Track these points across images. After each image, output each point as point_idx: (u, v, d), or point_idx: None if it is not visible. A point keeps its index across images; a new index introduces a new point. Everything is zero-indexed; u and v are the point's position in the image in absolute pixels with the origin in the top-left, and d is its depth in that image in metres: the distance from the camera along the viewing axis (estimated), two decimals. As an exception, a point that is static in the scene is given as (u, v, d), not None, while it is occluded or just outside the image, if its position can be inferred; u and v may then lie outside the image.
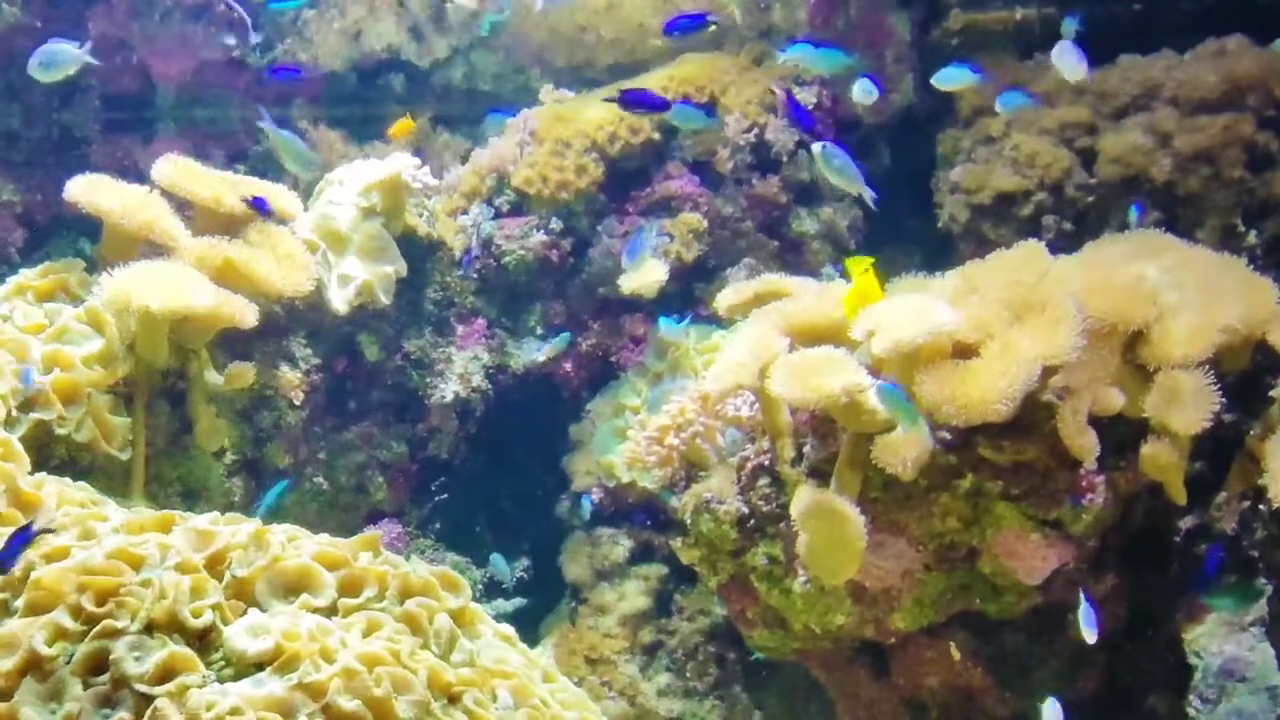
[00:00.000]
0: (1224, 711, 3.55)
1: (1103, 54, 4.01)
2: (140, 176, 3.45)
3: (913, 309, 2.82)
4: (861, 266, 2.94)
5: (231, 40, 4.22)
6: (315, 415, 3.60)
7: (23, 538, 2.17)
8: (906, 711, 3.19)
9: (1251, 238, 3.68)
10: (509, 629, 2.53)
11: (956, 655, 3.09)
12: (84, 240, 3.97)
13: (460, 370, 3.86)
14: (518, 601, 3.96)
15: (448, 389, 3.84)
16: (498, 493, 4.11)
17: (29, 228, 4.13)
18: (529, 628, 3.72)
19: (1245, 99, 3.74)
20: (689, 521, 3.15)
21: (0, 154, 4.13)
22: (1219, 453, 3.08)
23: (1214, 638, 3.61)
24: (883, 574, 2.94)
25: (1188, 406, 2.75)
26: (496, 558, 3.81)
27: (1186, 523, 3.22)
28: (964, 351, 2.80)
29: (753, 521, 3.07)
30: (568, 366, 3.98)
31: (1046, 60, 4.08)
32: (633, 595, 3.78)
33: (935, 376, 2.74)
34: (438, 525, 3.98)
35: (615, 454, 3.72)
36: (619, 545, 3.83)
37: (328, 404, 3.67)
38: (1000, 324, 2.79)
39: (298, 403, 3.46)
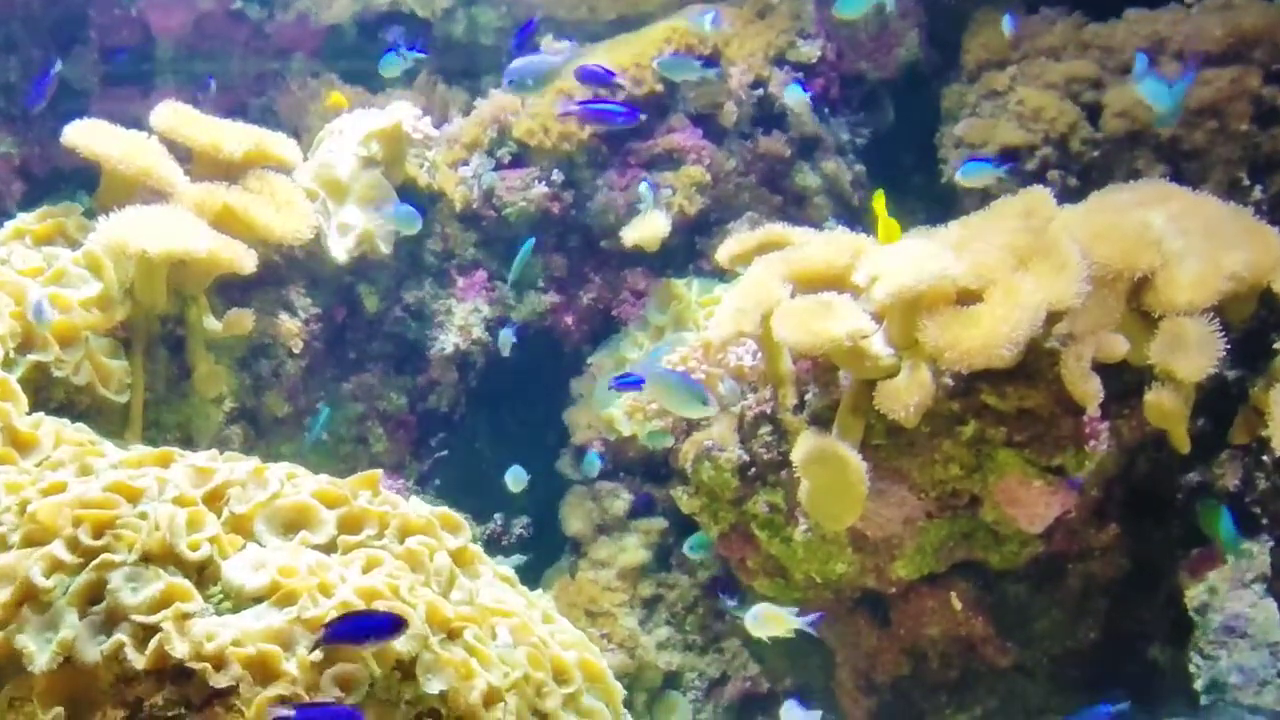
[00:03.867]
0: (1225, 667, 3.55)
1: (1109, 8, 4.00)
2: (139, 129, 3.42)
3: (916, 255, 2.81)
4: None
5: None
6: (314, 365, 3.58)
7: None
8: (907, 661, 3.18)
9: (1257, 192, 3.66)
10: (509, 570, 2.52)
11: (958, 605, 3.08)
12: (82, 193, 3.94)
13: (460, 322, 3.84)
14: (517, 559, 3.94)
15: (448, 341, 3.82)
16: (498, 447, 4.09)
17: (27, 180, 4.12)
18: (529, 583, 3.70)
19: (1252, 52, 3.72)
20: (690, 470, 3.14)
21: (-2, 107, 4.11)
22: (1223, 410, 3.07)
23: (1216, 594, 3.61)
24: (884, 522, 2.93)
25: (1192, 353, 2.74)
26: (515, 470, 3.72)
27: (1189, 479, 3.21)
28: (968, 297, 2.78)
29: (754, 469, 3.06)
30: (568, 320, 3.96)
31: (1053, 14, 4.07)
32: (632, 549, 3.77)
33: (938, 322, 2.73)
34: (438, 481, 3.97)
35: (616, 407, 3.71)
36: (619, 499, 3.82)
37: (327, 354, 3.66)
38: (1004, 270, 2.77)
39: (296, 351, 3.44)
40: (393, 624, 2.02)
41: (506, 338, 3.73)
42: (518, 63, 3.39)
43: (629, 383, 3.24)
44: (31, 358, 2.83)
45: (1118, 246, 2.80)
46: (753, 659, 3.68)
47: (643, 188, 3.75)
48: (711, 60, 3.97)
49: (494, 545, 3.95)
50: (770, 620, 2.92)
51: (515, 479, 3.62)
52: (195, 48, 4.35)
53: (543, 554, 3.97)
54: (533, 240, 3.70)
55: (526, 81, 3.34)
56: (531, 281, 3.93)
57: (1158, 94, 3.43)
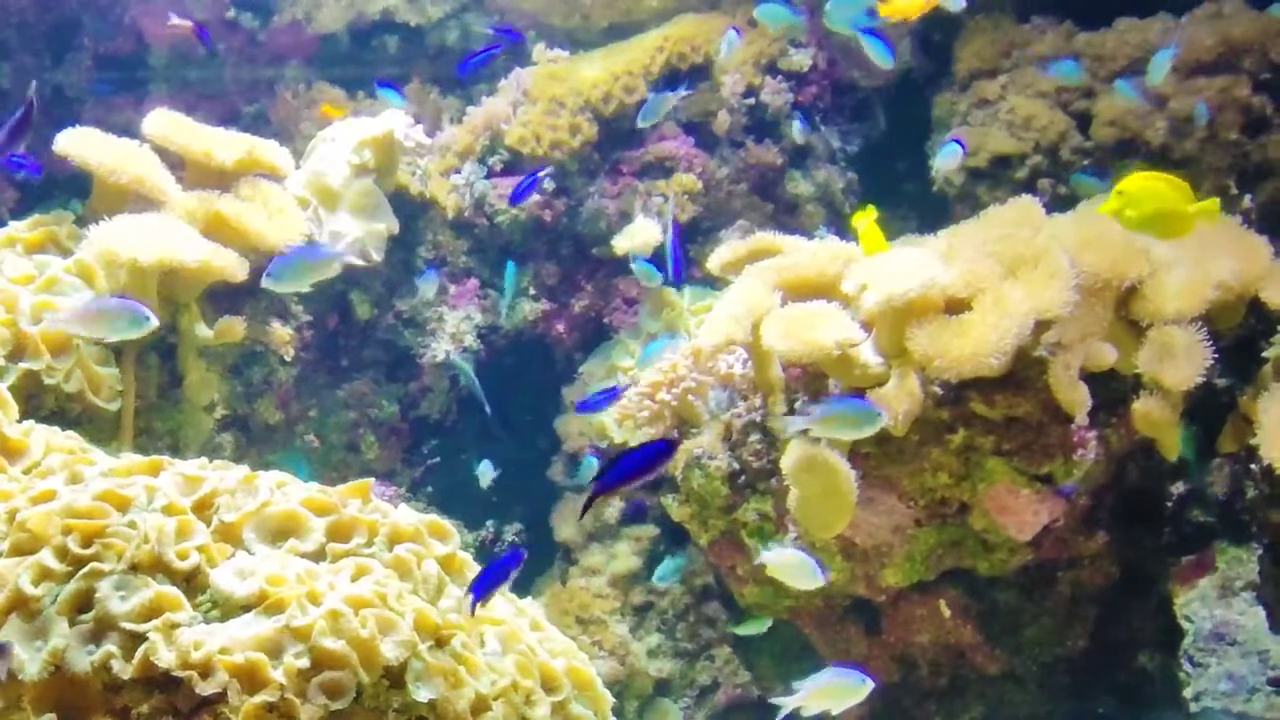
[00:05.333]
0: (1215, 674, 3.55)
1: (1100, 16, 4.01)
2: (132, 137, 3.42)
3: (905, 264, 2.82)
4: (866, 217, 2.96)
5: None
6: (306, 372, 3.59)
7: None
8: (897, 668, 3.19)
9: (1246, 201, 3.67)
10: (498, 578, 2.52)
11: (947, 612, 3.09)
12: (76, 201, 3.94)
13: (452, 330, 3.85)
14: (510, 565, 3.94)
15: (440, 348, 3.83)
16: (490, 454, 4.09)
17: (20, 188, 4.12)
18: (520, 590, 3.70)
19: (1242, 62, 3.73)
20: (680, 478, 3.14)
21: (-9, 114, 4.11)
22: (1212, 418, 3.08)
23: (1205, 602, 3.62)
24: (874, 530, 2.93)
25: (1181, 361, 2.75)
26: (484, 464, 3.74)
27: (1179, 488, 3.22)
28: (957, 306, 2.79)
29: (744, 477, 3.07)
30: (560, 327, 3.97)
31: (1044, 23, 4.09)
32: (624, 556, 3.77)
33: (927, 331, 2.74)
34: (430, 488, 3.97)
35: (607, 415, 3.71)
36: (610, 506, 3.82)
37: (319, 361, 3.66)
38: (993, 279, 2.78)
39: (288, 359, 3.45)
40: (667, 447, 2.03)
41: (461, 362, 3.73)
42: (281, 255, 3.07)
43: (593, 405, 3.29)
44: (22, 365, 2.83)
45: (1106, 255, 2.81)
46: (743, 666, 3.68)
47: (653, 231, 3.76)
48: (696, 71, 3.98)
49: (486, 552, 3.95)
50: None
51: (484, 473, 3.60)
52: (189, 56, 4.36)
53: (534, 561, 3.97)
54: (515, 267, 3.74)
55: (283, 280, 2.95)
56: (523, 289, 3.94)
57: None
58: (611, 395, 3.24)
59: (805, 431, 2.80)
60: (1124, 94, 3.62)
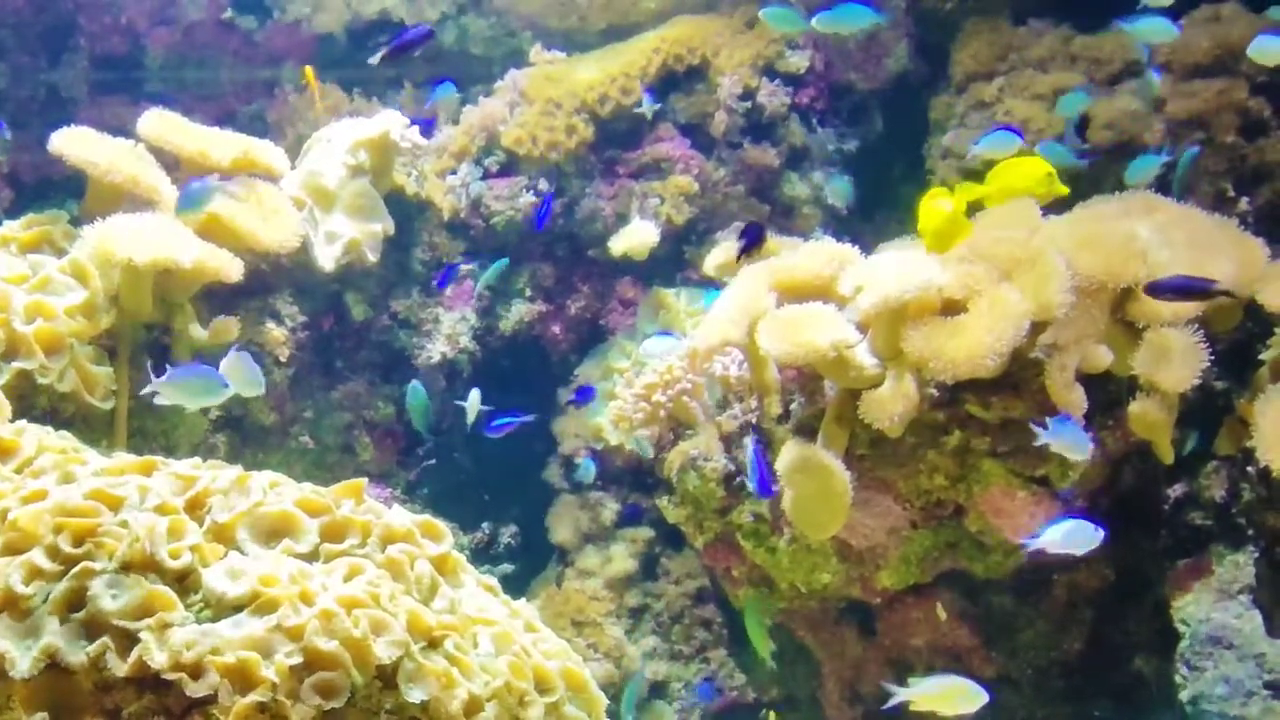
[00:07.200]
0: (1211, 679, 3.54)
1: (1096, 20, 4.00)
2: (128, 138, 3.42)
3: (901, 265, 2.81)
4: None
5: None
6: (301, 374, 3.58)
7: None
8: (892, 671, 3.17)
9: (1243, 204, 3.66)
10: (492, 580, 2.51)
11: (943, 615, 3.08)
12: (71, 201, 3.94)
13: (448, 331, 3.84)
14: (505, 568, 3.94)
15: (435, 350, 3.82)
16: (485, 456, 4.09)
17: (16, 188, 4.12)
18: (516, 592, 3.69)
19: (1239, 65, 3.71)
20: (675, 480, 3.14)
21: (-13, 114, 4.11)
22: (1208, 422, 3.07)
23: (1202, 605, 3.61)
24: (869, 531, 2.93)
25: (1177, 364, 2.74)
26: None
27: (1175, 491, 3.21)
28: (952, 308, 2.79)
29: (739, 479, 3.06)
30: (556, 329, 3.96)
31: (1041, 26, 4.08)
32: (620, 558, 3.77)
33: (923, 332, 2.74)
34: (425, 490, 3.96)
35: (603, 416, 3.71)
36: (606, 508, 3.82)
37: (314, 362, 3.66)
38: (989, 280, 2.78)
39: (283, 360, 3.44)
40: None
41: (418, 387, 3.68)
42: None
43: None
44: (16, 365, 2.82)
45: (1102, 257, 2.80)
46: (739, 669, 3.68)
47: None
48: (693, 73, 3.98)
49: (481, 554, 3.95)
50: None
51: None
52: (185, 56, 4.35)
53: (530, 563, 3.97)
54: (506, 260, 3.76)
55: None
56: (519, 291, 3.94)
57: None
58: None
59: (802, 435, 2.80)
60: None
